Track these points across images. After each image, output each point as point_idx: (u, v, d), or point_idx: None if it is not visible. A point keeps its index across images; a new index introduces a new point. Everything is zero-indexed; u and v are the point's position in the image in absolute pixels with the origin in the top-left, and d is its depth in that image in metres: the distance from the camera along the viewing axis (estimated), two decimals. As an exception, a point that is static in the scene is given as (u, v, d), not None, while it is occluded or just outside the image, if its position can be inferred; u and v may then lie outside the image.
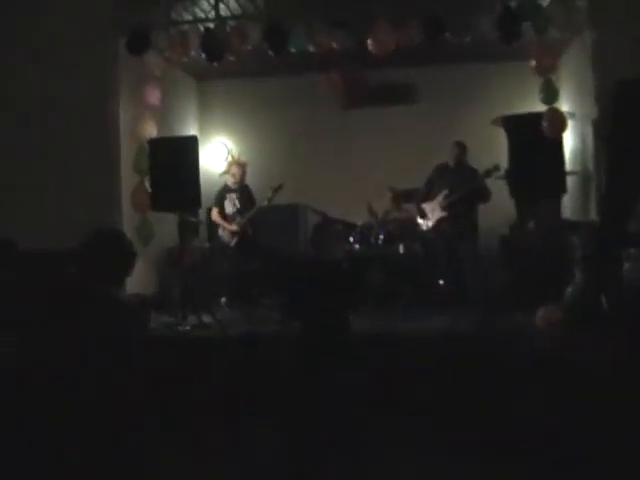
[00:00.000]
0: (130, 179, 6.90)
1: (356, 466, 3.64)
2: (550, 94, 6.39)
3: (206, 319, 6.56)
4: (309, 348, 4.25)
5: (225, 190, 7.69)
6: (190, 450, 3.94)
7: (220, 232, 7.70)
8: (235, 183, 7.66)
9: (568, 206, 8.25)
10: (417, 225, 7.77)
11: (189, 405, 4.61)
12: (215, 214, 7.70)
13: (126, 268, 3.29)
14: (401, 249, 7.84)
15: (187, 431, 4.18)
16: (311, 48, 6.68)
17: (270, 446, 3.88)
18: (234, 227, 7.51)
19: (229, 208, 7.62)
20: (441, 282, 7.56)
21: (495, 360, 4.85)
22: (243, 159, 7.89)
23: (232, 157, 8.05)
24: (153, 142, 6.82)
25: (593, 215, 7.20)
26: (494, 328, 5.82)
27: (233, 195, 7.62)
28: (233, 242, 7.57)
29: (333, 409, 4.04)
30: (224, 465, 3.76)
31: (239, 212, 7.57)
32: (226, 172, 7.86)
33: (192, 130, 9.52)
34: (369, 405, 4.25)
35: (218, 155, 10.00)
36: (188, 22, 6.87)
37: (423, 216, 7.43)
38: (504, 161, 6.94)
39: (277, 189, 7.36)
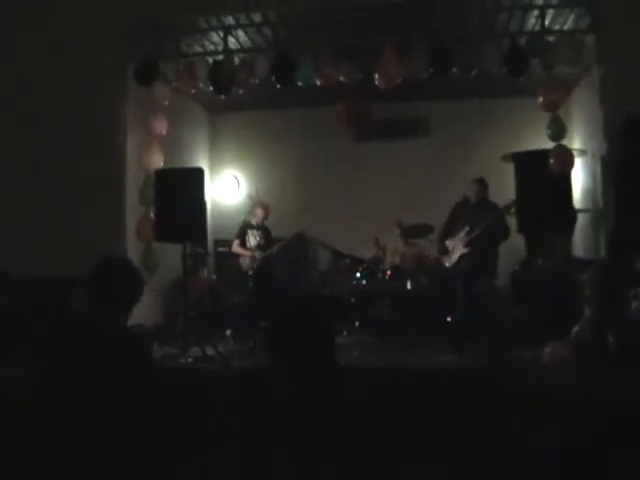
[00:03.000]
0: (135, 208, 6.91)
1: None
2: (558, 130, 6.34)
3: (209, 351, 6.50)
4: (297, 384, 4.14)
5: (247, 226, 7.78)
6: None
7: (240, 260, 7.74)
8: (257, 222, 7.77)
9: (580, 243, 8.15)
10: (424, 260, 7.70)
11: (188, 438, 4.51)
12: (236, 245, 7.76)
13: (134, 297, 3.25)
14: (409, 284, 7.76)
15: (188, 464, 4.08)
16: (318, 81, 6.69)
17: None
18: (253, 258, 7.59)
19: (251, 242, 7.70)
20: (448, 319, 7.46)
21: (502, 396, 4.72)
22: (267, 201, 7.92)
23: (257, 198, 8.08)
24: (159, 173, 6.84)
25: (603, 253, 7.09)
26: (502, 365, 5.71)
27: (255, 232, 7.74)
28: (250, 272, 7.62)
29: (334, 446, 3.92)
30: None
31: (259, 247, 7.67)
32: (250, 212, 7.92)
33: (203, 162, 9.57)
34: (372, 440, 4.13)
35: (229, 187, 10.04)
36: (197, 54, 6.92)
37: (445, 252, 7.31)
38: (512, 196, 6.91)
39: (296, 237, 7.50)
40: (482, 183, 7.20)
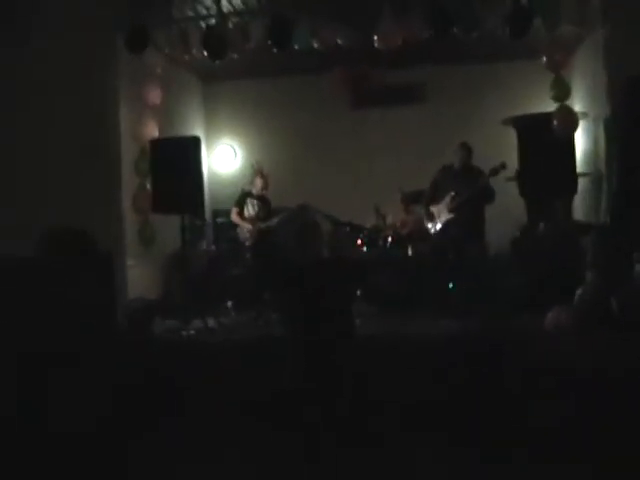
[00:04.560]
0: (131, 181, 6.80)
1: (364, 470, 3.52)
2: (561, 91, 6.25)
3: (211, 323, 6.49)
4: (312, 350, 4.14)
5: (247, 194, 7.76)
6: (197, 455, 3.84)
7: (238, 230, 7.73)
8: (257, 192, 7.75)
9: (580, 208, 8.07)
10: (426, 227, 7.64)
11: (194, 410, 4.50)
12: (234, 214, 7.73)
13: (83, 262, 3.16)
14: (410, 251, 7.71)
15: (195, 436, 4.08)
16: (315, 45, 6.55)
17: (279, 451, 3.77)
18: (252, 228, 7.57)
19: (249, 211, 7.68)
20: (450, 285, 7.41)
21: (506, 364, 4.70)
22: (266, 171, 7.86)
23: (257, 168, 8.00)
24: (154, 143, 6.72)
25: (605, 217, 7.02)
26: (504, 331, 5.68)
27: (254, 201, 7.70)
28: (249, 242, 7.61)
29: (340, 414, 3.93)
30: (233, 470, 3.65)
31: (258, 218, 7.64)
32: (250, 182, 7.89)
33: (198, 132, 9.40)
34: (378, 408, 4.14)
35: (226, 157, 9.92)
36: (189, 19, 6.73)
37: (431, 219, 7.31)
38: (514, 161, 6.83)
39: (299, 209, 7.51)
40: (466, 148, 7.18)
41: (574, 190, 6.65)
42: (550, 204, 7.44)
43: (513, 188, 7.09)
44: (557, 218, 7.43)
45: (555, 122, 6.11)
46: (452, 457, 3.68)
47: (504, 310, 6.23)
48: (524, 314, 6.04)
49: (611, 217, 5.90)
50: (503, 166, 6.88)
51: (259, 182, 7.70)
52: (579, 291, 5.58)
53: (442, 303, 7.02)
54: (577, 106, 7.56)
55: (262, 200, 7.71)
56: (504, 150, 7.27)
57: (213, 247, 8.78)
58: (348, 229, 8.10)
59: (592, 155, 7.89)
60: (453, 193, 7.05)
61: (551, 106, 6.55)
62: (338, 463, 3.59)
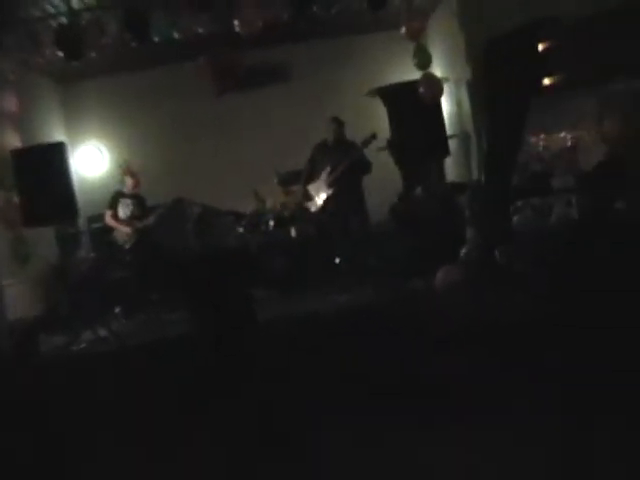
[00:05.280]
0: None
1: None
2: (423, 59, 6.45)
3: (102, 333, 6.25)
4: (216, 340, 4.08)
5: (119, 195, 7.53)
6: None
7: (115, 233, 7.47)
8: (129, 191, 7.53)
9: (452, 169, 8.37)
10: (307, 207, 7.70)
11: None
12: (109, 217, 7.49)
13: None
14: (293, 232, 7.74)
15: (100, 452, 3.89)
16: (176, 35, 6.38)
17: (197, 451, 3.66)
18: (129, 229, 7.36)
19: (124, 212, 7.45)
20: (337, 260, 7.51)
21: (406, 328, 4.79)
22: (135, 169, 7.68)
23: (126, 167, 7.73)
24: (16, 153, 6.37)
25: (477, 175, 7.32)
26: (397, 297, 5.83)
27: (128, 201, 7.48)
28: (128, 244, 7.39)
29: (254, 402, 3.87)
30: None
31: (134, 217, 7.44)
32: (121, 182, 7.68)
33: (59, 137, 8.96)
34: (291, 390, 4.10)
35: (91, 160, 9.52)
36: (39, 19, 6.35)
37: (310, 198, 7.35)
38: (386, 130, 6.96)
39: (174, 203, 7.53)
40: (338, 122, 7.26)
41: (446, 152, 6.88)
42: (424, 168, 7.67)
43: (389, 157, 7.25)
44: (432, 181, 7.67)
45: (421, 89, 6.28)
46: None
47: (393, 277, 6.38)
48: (414, 278, 6.20)
49: (484, 175, 6.16)
50: (374, 136, 7.00)
51: (129, 181, 7.50)
52: (463, 249, 5.81)
53: (331, 279, 7.12)
54: (438, 71, 7.81)
55: (136, 199, 7.51)
56: (375, 121, 7.41)
57: (92, 254, 8.46)
58: (230, 218, 8.03)
59: (458, 117, 8.18)
60: (329, 168, 7.11)
61: (416, 74, 6.73)
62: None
